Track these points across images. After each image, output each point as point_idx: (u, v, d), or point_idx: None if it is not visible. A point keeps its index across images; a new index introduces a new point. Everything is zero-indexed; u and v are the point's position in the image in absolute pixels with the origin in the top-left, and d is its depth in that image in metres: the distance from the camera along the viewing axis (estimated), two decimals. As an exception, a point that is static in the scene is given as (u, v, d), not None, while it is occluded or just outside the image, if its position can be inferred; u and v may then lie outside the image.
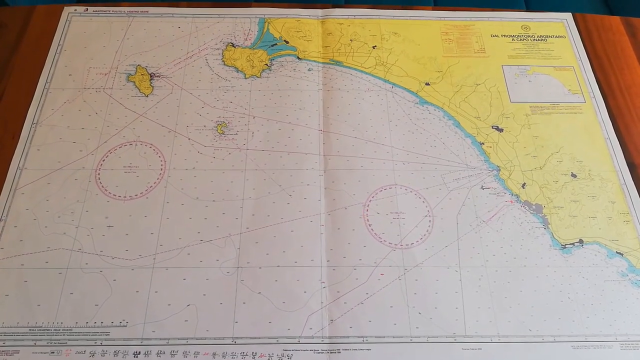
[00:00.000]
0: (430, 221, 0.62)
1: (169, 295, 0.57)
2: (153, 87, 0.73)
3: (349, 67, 0.75)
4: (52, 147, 0.67)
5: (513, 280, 0.58)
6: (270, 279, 0.58)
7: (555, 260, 0.60)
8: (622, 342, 0.55)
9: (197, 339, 0.55)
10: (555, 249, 0.60)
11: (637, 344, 0.55)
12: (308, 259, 0.59)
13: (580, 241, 0.61)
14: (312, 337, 0.55)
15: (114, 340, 0.54)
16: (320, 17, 0.80)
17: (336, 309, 0.56)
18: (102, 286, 0.57)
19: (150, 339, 0.54)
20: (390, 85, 0.74)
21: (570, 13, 0.82)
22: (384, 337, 0.55)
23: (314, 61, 0.76)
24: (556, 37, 0.79)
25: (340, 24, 0.80)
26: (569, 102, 0.72)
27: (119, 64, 0.75)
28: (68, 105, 0.70)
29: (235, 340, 0.54)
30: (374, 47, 0.78)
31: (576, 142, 0.69)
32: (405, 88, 0.73)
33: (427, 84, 0.74)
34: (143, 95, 0.72)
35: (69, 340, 0.54)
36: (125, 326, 0.55)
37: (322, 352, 0.54)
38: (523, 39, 0.79)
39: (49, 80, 0.72)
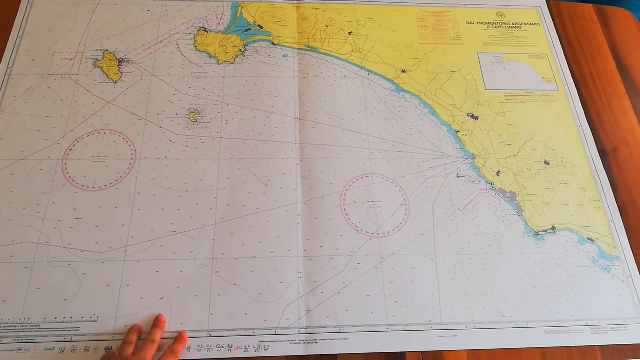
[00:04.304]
0: (406, 210, 0.62)
1: (141, 289, 0.55)
2: (122, 73, 0.70)
3: (325, 54, 0.74)
4: (16, 136, 0.64)
5: (488, 268, 0.59)
6: (246, 270, 0.57)
7: (529, 247, 0.61)
8: (592, 327, 0.56)
9: (171, 332, 0.53)
10: (529, 236, 0.61)
11: (607, 328, 0.56)
12: (284, 250, 0.59)
13: (553, 228, 0.62)
14: (289, 328, 0.54)
15: (84, 335, 0.53)
16: (295, 2, 0.79)
17: (313, 299, 0.56)
18: (71, 280, 0.55)
19: (122, 334, 0.53)
20: (367, 73, 0.73)
21: (544, 0, 0.82)
22: (360, 326, 0.55)
23: (289, 47, 0.74)
24: (531, 24, 0.80)
25: (316, 9, 0.78)
26: (542, 90, 0.73)
27: (85, 49, 0.72)
28: (32, 92, 0.67)
29: (210, 332, 0.54)
30: (350, 34, 0.76)
31: (549, 129, 0.69)
32: (382, 75, 0.73)
33: (404, 71, 0.73)
34: (111, 81, 0.69)
35: (36, 336, 0.52)
36: (96, 321, 0.54)
37: (299, 343, 0.54)
38: (498, 26, 0.79)
39: (10, 66, 0.69)
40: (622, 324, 0.57)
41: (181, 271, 0.57)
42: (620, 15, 0.81)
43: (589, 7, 0.82)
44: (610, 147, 0.69)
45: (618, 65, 0.76)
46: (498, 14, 0.80)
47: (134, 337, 0.52)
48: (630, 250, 0.61)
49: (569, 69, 0.75)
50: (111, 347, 0.52)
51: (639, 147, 0.69)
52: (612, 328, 0.56)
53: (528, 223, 0.62)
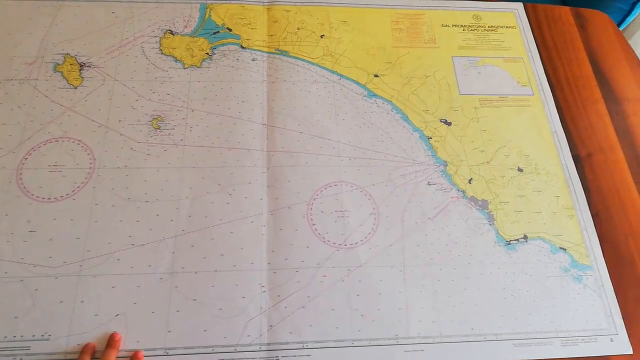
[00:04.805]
0: (375, 219, 0.60)
1: (96, 305, 0.53)
2: (83, 77, 0.67)
3: (296, 58, 0.72)
4: (-32, 144, 0.61)
5: (457, 279, 0.57)
6: (207, 285, 0.55)
7: (500, 257, 0.59)
8: (562, 339, 0.55)
9: (126, 351, 0.51)
10: (500, 245, 0.60)
11: (577, 340, 0.55)
12: (248, 262, 0.57)
13: (525, 237, 0.60)
14: (250, 345, 0.52)
15: (35, 355, 0.50)
16: (266, 4, 0.76)
17: (276, 314, 0.54)
18: (22, 297, 0.53)
19: (75, 353, 0.51)
20: (338, 77, 0.71)
21: (521, 3, 0.81)
22: (324, 341, 0.53)
23: (259, 50, 0.72)
24: (507, 27, 0.78)
25: (287, 11, 0.76)
26: (517, 95, 0.71)
27: (46, 53, 0.69)
28: (-13, 99, 0.64)
29: (167, 351, 0.51)
30: (322, 37, 0.74)
31: (524, 135, 0.68)
32: (353, 80, 0.71)
33: (376, 75, 0.71)
34: (72, 86, 0.67)
35: (-16, 357, 0.50)
36: (48, 339, 0.51)
37: (260, 360, 0.52)
38: (474, 29, 0.77)
39: (-36, 71, 0.66)
40: (593, 335, 0.55)
41: (138, 286, 0.54)
42: (597, 18, 0.80)
43: (565, 10, 0.81)
44: (585, 153, 0.67)
45: (594, 69, 0.75)
46: (474, 17, 0.78)
47: (86, 358, 0.50)
48: (603, 258, 0.60)
49: (545, 73, 0.73)
50: (63, 367, 0.50)
51: (614, 153, 0.67)
52: (583, 339, 0.55)
53: (499, 232, 0.61)
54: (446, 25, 0.77)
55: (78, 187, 0.60)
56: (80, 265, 0.55)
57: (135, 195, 0.60)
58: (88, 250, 0.56)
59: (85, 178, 0.60)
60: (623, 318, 0.56)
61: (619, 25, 1.00)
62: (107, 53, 0.70)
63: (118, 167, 0.61)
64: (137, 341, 0.52)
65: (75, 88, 0.66)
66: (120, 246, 0.56)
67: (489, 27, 0.78)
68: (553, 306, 0.56)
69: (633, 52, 0.78)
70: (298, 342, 0.53)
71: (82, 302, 0.53)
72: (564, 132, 0.68)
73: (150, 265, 0.56)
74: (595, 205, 0.63)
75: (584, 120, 0.70)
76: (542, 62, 0.75)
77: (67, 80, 0.67)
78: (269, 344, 0.52)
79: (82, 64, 0.69)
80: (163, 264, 0.56)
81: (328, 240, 0.58)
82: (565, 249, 0.60)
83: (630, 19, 0.99)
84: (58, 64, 0.68)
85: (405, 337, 0.54)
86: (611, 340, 0.56)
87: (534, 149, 0.67)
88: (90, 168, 0.61)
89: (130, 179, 0.61)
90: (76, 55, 0.69)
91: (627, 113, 0.71)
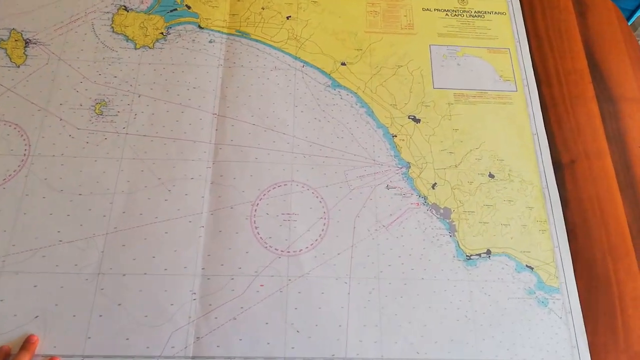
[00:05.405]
0: (324, 225, 0.55)
1: (16, 305, 0.50)
2: (27, 55, 0.63)
3: (257, 40, 0.66)
4: None
5: (407, 295, 0.52)
6: (134, 289, 0.51)
7: (457, 273, 0.54)
8: (517, 368, 0.50)
9: (42, 356, 0.48)
10: (459, 260, 0.54)
11: (533, 371, 0.50)
12: (181, 266, 0.52)
13: (488, 252, 0.55)
14: (173, 357, 0.48)
15: (-53, 355, 0.48)
16: (231, -21, 0.70)
17: (205, 324, 0.50)
18: (-61, 292, 0.50)
19: (-12, 355, 0.48)
20: (301, 64, 0.65)
21: (515, -15, 0.73)
22: (253, 358, 0.49)
23: (218, 31, 0.66)
24: (495, 13, 0.70)
25: (254, -13, 0.70)
26: (498, 91, 0.64)
27: (-9, 27, 0.64)
28: None
29: (85, 358, 0.48)
30: (288, 18, 0.68)
31: (500, 137, 0.61)
32: (318, 68, 0.65)
33: (343, 63, 0.65)
34: (14, 65, 0.62)
35: None
36: (-38, 340, 0.48)
37: (183, 374, 0.48)
38: (458, 14, 0.70)
39: None
40: (553, 367, 0.50)
41: (62, 287, 0.51)
42: (600, 4, 0.71)
43: (565, -6, 0.72)
44: (568, 159, 0.60)
45: (590, 63, 0.67)
46: (460, 1, 0.71)
47: (-2, 361, 0.47)
48: (574, 280, 0.54)
49: (532, 66, 0.66)
50: (-26, 370, 0.47)
51: (601, 160, 0.61)
52: (541, 371, 0.50)
53: (460, 245, 0.55)
54: (427, 9, 0.70)
55: (10, 175, 0.56)
56: (4, 261, 0.52)
57: (69, 187, 0.56)
58: (13, 245, 0.52)
59: (18, 166, 0.56)
60: (590, 350, 0.51)
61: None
62: (55, 29, 0.65)
63: (54, 156, 0.57)
64: (54, 346, 0.48)
65: (18, 67, 0.62)
66: (47, 242, 0.53)
67: (475, 12, 0.70)
68: (511, 332, 0.51)
69: (638, 45, 0.69)
70: (225, 357, 0.49)
71: (1, 300, 0.50)
72: (546, 134, 0.61)
73: (76, 265, 0.52)
74: (571, 218, 0.57)
75: (570, 121, 0.63)
76: (530, 54, 0.67)
77: (9, 57, 0.62)
78: (193, 357, 0.49)
79: (28, 40, 0.64)
80: (90, 264, 0.52)
81: (270, 246, 0.54)
82: (532, 268, 0.54)
83: (633, 19, 0.89)
84: (2, 40, 0.63)
85: (343, 358, 0.49)
86: (574, 372, 0.50)
87: (510, 153, 0.60)
88: (24, 155, 0.57)
89: (65, 168, 0.56)
90: (22, 30, 0.64)
91: (623, 114, 0.64)
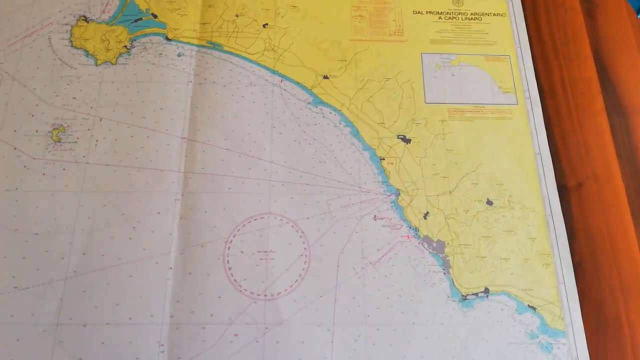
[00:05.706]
0: (305, 263, 0.50)
1: (-35, 362, 0.46)
2: (-23, 76, 0.57)
3: (230, 53, 0.60)
4: None
5: (396, 342, 0.47)
6: (96, 341, 0.46)
7: (452, 316, 0.49)
8: (517, 423, 0.45)
9: (-6, 420, 0.44)
10: (454, 301, 0.49)
11: None
12: (147, 314, 0.48)
13: (486, 290, 0.50)
14: (138, 419, 0.44)
15: None
16: (201, -17, 0.63)
17: (173, 380, 0.46)
18: None
19: None
20: (280, 78, 0.59)
21: (517, -18, 0.66)
22: (226, 419, 0.45)
23: (187, 43, 0.60)
24: (494, 15, 0.64)
25: (227, -8, 0.63)
26: (497, 104, 0.58)
27: (-62, 44, 0.58)
28: None
29: (40, 423, 0.44)
30: (264, 26, 0.62)
31: (499, 157, 0.55)
32: (298, 82, 0.59)
33: (326, 77, 0.59)
34: (-37, 87, 0.56)
35: None
36: None
37: None
38: (452, 17, 0.63)
39: None
40: (557, 421, 0.46)
41: (17, 339, 0.46)
42: (611, 3, 0.64)
43: (572, -9, 0.66)
44: (574, 182, 0.55)
45: (599, 70, 0.61)
46: (454, 2, 0.64)
47: None
48: (581, 322, 0.49)
49: (535, 75, 0.60)
50: None
51: (611, 183, 0.55)
52: None
53: (455, 283, 0.50)
54: (419, 12, 0.63)
55: (-42, 214, 0.51)
56: (-48, 312, 0.47)
57: (24, 226, 0.50)
58: (-38, 294, 0.48)
59: (-32, 203, 0.51)
60: (597, 400, 0.46)
61: None
62: (8, 45, 0.59)
63: (7, 190, 0.52)
64: (7, 410, 0.44)
65: (-32, 89, 0.56)
66: (1, 289, 0.48)
67: (471, 14, 0.63)
68: (511, 381, 0.47)
69: (652, 47, 0.63)
70: (195, 418, 0.44)
71: (-51, 357, 0.46)
72: (551, 153, 0.56)
73: (33, 315, 0.47)
74: (579, 251, 0.52)
75: (577, 137, 0.57)
76: (533, 61, 0.61)
77: (-42, 79, 0.57)
78: (159, 419, 0.44)
79: (-21, 58, 0.58)
80: (48, 313, 0.47)
81: (245, 289, 0.49)
82: (535, 308, 0.49)
83: None
84: (-49, 59, 0.58)
85: (325, 416, 0.45)
86: (580, 422, 0.46)
87: (510, 176, 0.55)
88: (-26, 190, 0.52)
89: (20, 205, 0.51)
90: (-27, 47, 0.59)
91: (635, 128, 0.58)
